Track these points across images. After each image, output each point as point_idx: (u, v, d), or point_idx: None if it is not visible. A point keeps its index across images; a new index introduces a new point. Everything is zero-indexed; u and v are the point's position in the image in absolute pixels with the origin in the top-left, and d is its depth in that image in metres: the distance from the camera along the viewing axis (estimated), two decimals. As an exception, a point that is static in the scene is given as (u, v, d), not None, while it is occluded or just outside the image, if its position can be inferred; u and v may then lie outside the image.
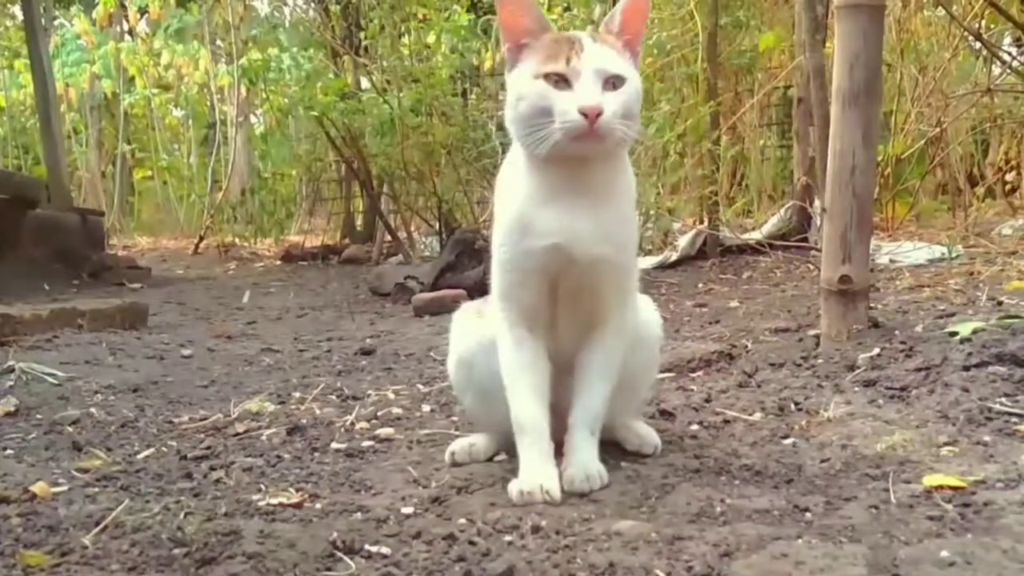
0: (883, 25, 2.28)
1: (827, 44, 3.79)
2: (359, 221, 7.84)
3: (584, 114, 1.25)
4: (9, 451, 1.67)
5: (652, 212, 4.81)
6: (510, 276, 1.40)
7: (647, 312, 1.58)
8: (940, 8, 4.87)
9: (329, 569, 1.06)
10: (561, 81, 1.28)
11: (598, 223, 1.33)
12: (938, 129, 5.03)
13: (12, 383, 2.22)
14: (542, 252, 1.34)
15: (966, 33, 4.53)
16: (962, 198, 5.27)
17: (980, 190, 5.26)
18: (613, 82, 1.29)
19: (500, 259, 1.40)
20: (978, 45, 4.75)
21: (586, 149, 1.30)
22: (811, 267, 3.96)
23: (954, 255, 3.85)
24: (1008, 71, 5.00)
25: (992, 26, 4.75)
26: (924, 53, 5.14)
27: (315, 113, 5.90)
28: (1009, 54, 5.26)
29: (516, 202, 1.37)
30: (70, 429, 1.83)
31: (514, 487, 1.30)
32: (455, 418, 1.88)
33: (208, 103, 8.89)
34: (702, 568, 1.01)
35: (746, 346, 2.46)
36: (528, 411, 1.36)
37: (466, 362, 1.54)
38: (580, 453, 1.37)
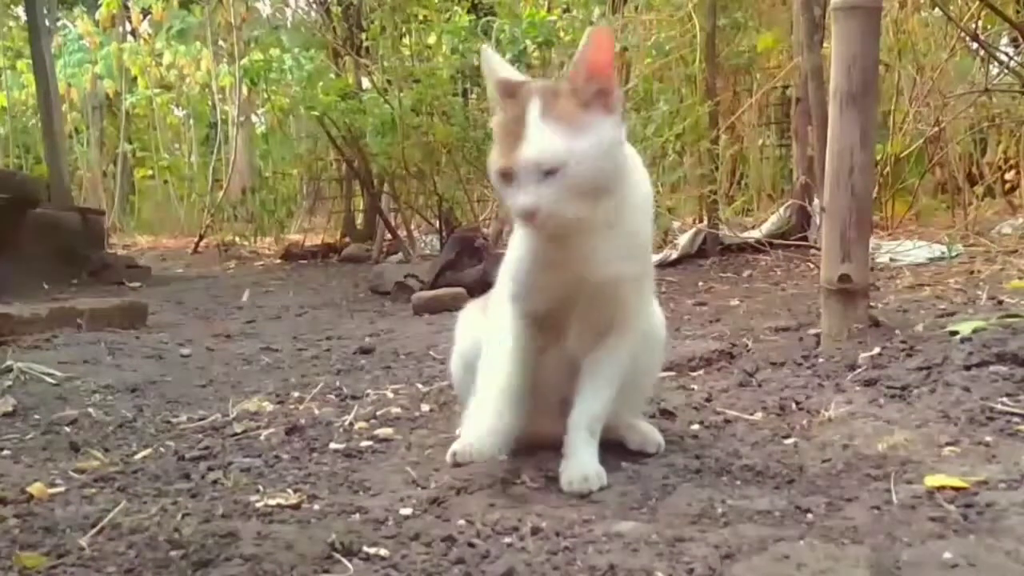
0: (880, 26, 2.28)
1: (825, 45, 3.80)
2: (359, 220, 7.84)
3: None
4: (6, 451, 1.66)
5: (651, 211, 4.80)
6: (523, 300, 1.42)
7: (654, 314, 1.58)
8: (937, 9, 4.87)
9: (327, 571, 1.05)
10: (507, 176, 1.28)
11: (609, 246, 1.34)
12: (936, 128, 5.03)
13: (10, 383, 2.21)
14: (555, 284, 1.37)
15: (963, 34, 4.53)
16: (961, 197, 5.27)
17: (979, 189, 5.26)
18: (549, 172, 1.25)
19: (514, 279, 1.42)
20: (975, 45, 4.74)
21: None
22: (811, 266, 3.95)
23: (954, 254, 3.85)
24: (1005, 71, 5.00)
25: (989, 27, 4.75)
26: (922, 53, 5.14)
27: (316, 113, 5.90)
28: (1006, 54, 5.27)
29: (528, 237, 1.39)
30: (68, 429, 1.82)
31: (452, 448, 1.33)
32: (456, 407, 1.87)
33: (210, 103, 8.89)
34: (703, 570, 1.00)
35: (747, 345, 2.45)
36: (503, 378, 1.38)
37: (469, 361, 1.54)
38: (579, 454, 1.37)
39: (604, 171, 1.28)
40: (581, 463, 1.36)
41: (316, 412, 1.94)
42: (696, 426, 1.72)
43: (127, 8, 8.70)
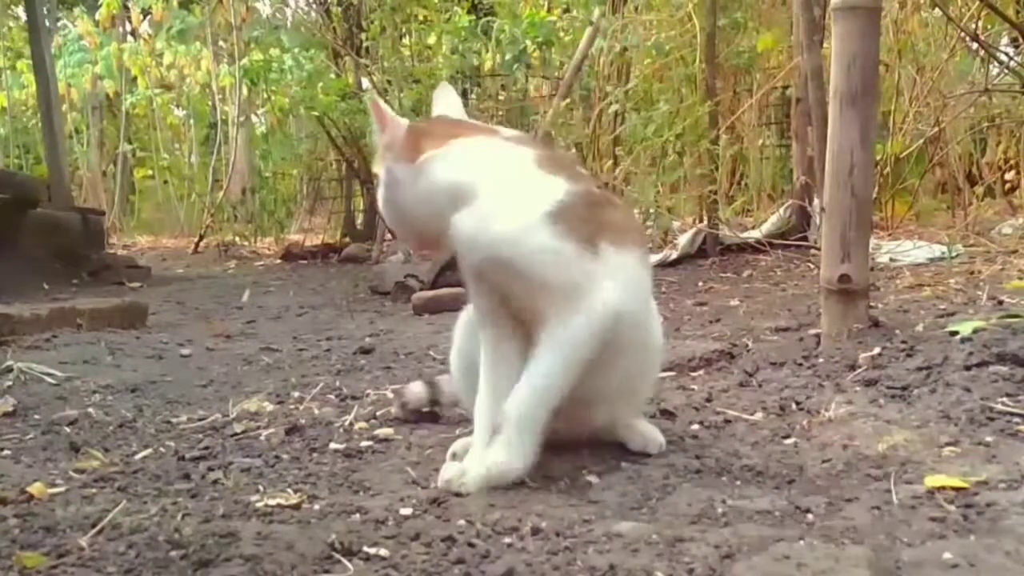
0: (880, 26, 2.28)
1: (825, 45, 3.80)
2: (359, 220, 7.84)
3: None
4: (7, 451, 1.66)
5: (652, 210, 4.82)
6: (477, 308, 1.48)
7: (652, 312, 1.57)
8: (937, 9, 4.88)
9: (327, 571, 1.05)
10: None
11: (464, 219, 1.38)
12: (936, 128, 5.04)
13: (10, 383, 2.21)
14: (470, 279, 1.44)
15: (963, 34, 4.53)
16: (961, 197, 5.27)
17: (979, 189, 5.26)
18: None
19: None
20: (975, 45, 4.74)
21: None
22: (811, 266, 3.95)
23: (954, 254, 3.85)
24: (1006, 71, 5.01)
25: (989, 27, 4.76)
26: (922, 53, 5.15)
27: (316, 113, 5.91)
28: (1006, 54, 5.27)
29: None
30: (68, 429, 1.82)
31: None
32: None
33: (210, 103, 8.89)
34: (703, 570, 1.00)
35: (747, 345, 2.45)
36: (480, 407, 1.44)
37: (469, 360, 1.54)
38: (483, 450, 1.39)
39: (393, 215, 1.47)
40: (474, 458, 1.38)
41: (316, 412, 1.94)
42: (696, 426, 1.72)
43: (127, 8, 8.70)
